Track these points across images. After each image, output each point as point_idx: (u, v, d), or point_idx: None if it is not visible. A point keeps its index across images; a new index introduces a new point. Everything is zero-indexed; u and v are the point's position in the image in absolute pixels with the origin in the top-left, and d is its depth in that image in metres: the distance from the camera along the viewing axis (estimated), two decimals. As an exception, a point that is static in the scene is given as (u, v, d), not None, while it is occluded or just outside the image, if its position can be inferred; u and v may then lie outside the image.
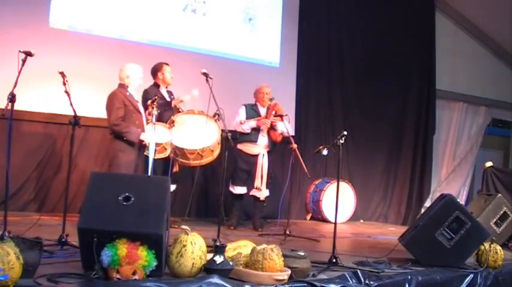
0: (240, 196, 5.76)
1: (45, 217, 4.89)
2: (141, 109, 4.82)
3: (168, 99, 5.39)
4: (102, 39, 6.08)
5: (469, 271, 3.87)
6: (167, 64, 5.40)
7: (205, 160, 5.12)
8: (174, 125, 5.00)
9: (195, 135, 5.08)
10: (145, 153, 4.71)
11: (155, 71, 5.38)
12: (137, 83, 4.82)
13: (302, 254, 3.19)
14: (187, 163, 5.11)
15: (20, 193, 5.58)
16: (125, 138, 4.60)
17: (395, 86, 8.42)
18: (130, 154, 4.65)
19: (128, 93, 4.72)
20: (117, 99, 4.64)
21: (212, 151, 5.08)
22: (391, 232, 6.53)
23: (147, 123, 4.78)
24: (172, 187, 5.33)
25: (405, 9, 8.47)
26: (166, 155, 4.91)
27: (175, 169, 5.18)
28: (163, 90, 5.38)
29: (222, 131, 4.28)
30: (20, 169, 5.49)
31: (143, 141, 4.65)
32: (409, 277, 3.50)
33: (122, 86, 4.76)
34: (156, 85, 5.37)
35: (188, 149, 5.03)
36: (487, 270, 3.95)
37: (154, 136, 4.48)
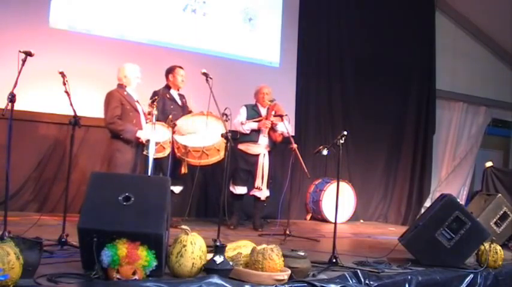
0: (241, 196, 5.77)
1: (45, 217, 4.89)
2: (140, 109, 4.82)
3: (179, 102, 5.41)
4: (102, 39, 6.08)
5: (469, 271, 3.88)
6: (181, 68, 5.43)
7: (212, 159, 5.11)
8: (174, 125, 5.00)
9: (200, 134, 5.08)
10: (144, 152, 4.72)
11: (167, 72, 5.45)
12: (135, 82, 4.83)
13: (302, 254, 3.19)
14: (195, 163, 5.10)
15: (20, 193, 5.58)
16: (121, 137, 4.61)
17: (395, 86, 8.42)
18: (127, 153, 4.66)
19: (125, 93, 4.75)
20: (114, 98, 4.67)
21: (218, 150, 5.07)
22: (391, 232, 6.54)
23: (147, 122, 4.79)
24: (179, 189, 5.35)
25: (405, 9, 8.47)
26: (166, 155, 4.91)
27: (184, 170, 5.16)
28: (174, 93, 5.41)
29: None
30: (20, 169, 5.49)
31: (140, 138, 4.65)
32: (409, 277, 3.51)
33: (120, 86, 4.80)
34: (167, 87, 5.41)
35: (192, 147, 5.03)
36: (487, 270, 3.95)
37: (153, 135, 4.48)
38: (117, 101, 4.66)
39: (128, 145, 4.65)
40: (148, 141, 4.61)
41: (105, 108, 4.68)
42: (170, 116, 5.11)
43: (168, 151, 4.92)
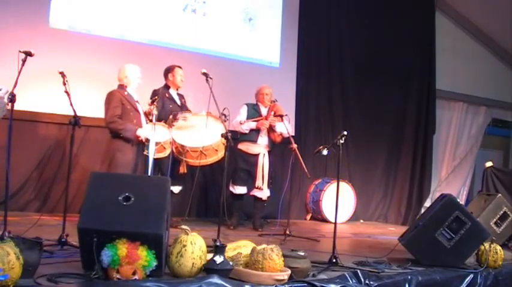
0: (240, 195, 5.76)
1: (45, 217, 4.89)
2: (140, 109, 4.83)
3: (178, 101, 5.41)
4: (102, 39, 6.08)
5: (469, 271, 3.88)
6: (180, 67, 5.44)
7: (210, 160, 5.11)
8: (174, 125, 5.00)
9: (198, 134, 5.08)
10: (144, 152, 4.72)
11: (167, 72, 5.44)
12: (136, 83, 4.85)
13: (302, 254, 3.19)
14: (194, 163, 5.10)
15: (20, 193, 5.58)
16: (121, 136, 4.62)
17: (395, 86, 8.42)
18: (128, 153, 4.67)
19: (126, 93, 4.77)
20: (115, 98, 4.70)
21: (216, 150, 5.07)
22: (391, 232, 6.54)
23: (147, 122, 4.80)
24: (178, 189, 5.34)
25: (405, 9, 8.47)
26: (166, 155, 4.91)
27: (183, 169, 5.15)
28: (173, 92, 5.41)
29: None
30: (20, 169, 5.49)
31: (139, 137, 4.66)
32: (409, 277, 3.50)
33: (121, 87, 4.82)
34: (166, 86, 5.41)
35: (190, 147, 5.03)
36: (487, 270, 3.95)
37: (153, 135, 4.48)
38: (118, 101, 4.69)
39: (128, 143, 4.66)
40: (148, 140, 4.62)
41: (106, 107, 4.70)
42: (171, 116, 5.11)
43: (168, 151, 4.92)
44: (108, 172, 4.53)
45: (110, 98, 4.71)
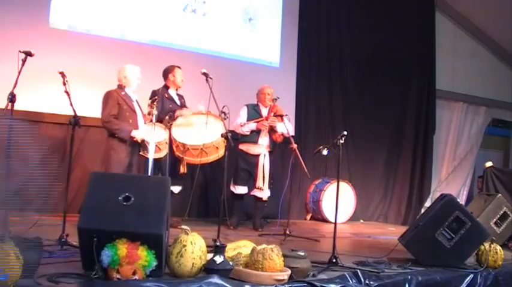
0: (241, 195, 5.76)
1: (45, 217, 4.89)
2: (137, 109, 4.84)
3: (178, 102, 5.41)
4: (102, 39, 6.08)
5: (469, 271, 3.87)
6: (179, 67, 5.45)
7: (211, 158, 5.11)
8: (172, 123, 4.99)
9: (198, 132, 5.09)
10: (140, 153, 4.73)
11: (166, 72, 5.44)
12: (135, 83, 4.85)
13: (302, 254, 3.19)
14: (194, 161, 5.10)
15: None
16: (116, 135, 4.63)
17: (395, 86, 8.43)
18: (122, 152, 4.67)
19: (123, 93, 4.78)
20: (111, 97, 4.71)
21: (217, 147, 5.06)
22: (391, 232, 6.53)
23: (145, 123, 4.80)
24: (178, 189, 5.33)
25: (405, 9, 8.48)
26: (162, 156, 4.89)
27: (183, 169, 5.15)
28: (172, 93, 5.41)
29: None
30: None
31: (134, 137, 4.66)
32: (409, 277, 3.50)
33: (120, 87, 4.83)
34: (166, 87, 5.41)
35: (190, 145, 5.03)
36: (487, 270, 3.95)
37: (152, 136, 4.48)
38: (114, 101, 4.70)
39: (123, 143, 4.67)
40: (143, 141, 4.63)
41: (102, 107, 4.73)
42: (167, 117, 5.10)
43: (164, 151, 4.89)
44: (108, 172, 4.52)
45: (106, 97, 4.73)
